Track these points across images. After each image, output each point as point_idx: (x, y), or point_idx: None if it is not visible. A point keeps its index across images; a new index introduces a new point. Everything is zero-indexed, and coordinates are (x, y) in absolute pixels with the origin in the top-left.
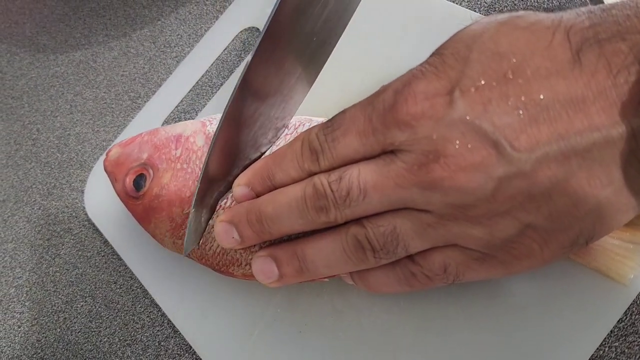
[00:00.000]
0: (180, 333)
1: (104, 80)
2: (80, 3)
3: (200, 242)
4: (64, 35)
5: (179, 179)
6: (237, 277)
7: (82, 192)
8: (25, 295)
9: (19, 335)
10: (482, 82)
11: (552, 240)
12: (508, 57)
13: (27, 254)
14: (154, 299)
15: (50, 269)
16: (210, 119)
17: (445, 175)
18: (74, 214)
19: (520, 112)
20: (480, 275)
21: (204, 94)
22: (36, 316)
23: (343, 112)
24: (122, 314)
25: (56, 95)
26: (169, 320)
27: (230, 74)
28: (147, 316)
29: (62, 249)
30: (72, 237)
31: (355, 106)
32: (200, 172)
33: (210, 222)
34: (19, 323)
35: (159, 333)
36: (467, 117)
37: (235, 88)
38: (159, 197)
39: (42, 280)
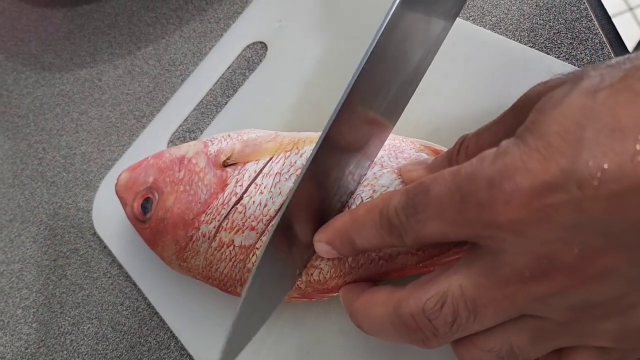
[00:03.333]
0: (187, 356)
1: (109, 98)
2: (85, 21)
3: (207, 262)
4: (69, 54)
5: (182, 201)
6: None
7: (88, 212)
8: (32, 316)
9: (26, 357)
10: (605, 168)
11: None
12: (634, 134)
13: (34, 275)
14: (160, 321)
15: (57, 290)
16: (212, 139)
17: (568, 284)
18: (80, 235)
19: None
20: None
21: (209, 113)
22: (43, 338)
23: (425, 190)
24: (129, 336)
25: (62, 114)
26: (176, 343)
27: (235, 92)
28: (154, 339)
29: (69, 269)
30: (78, 258)
31: (439, 183)
32: (275, 221)
33: (219, 239)
34: (26, 345)
35: (165, 356)
36: (585, 221)
37: (319, 142)
38: (164, 220)
39: (49, 302)
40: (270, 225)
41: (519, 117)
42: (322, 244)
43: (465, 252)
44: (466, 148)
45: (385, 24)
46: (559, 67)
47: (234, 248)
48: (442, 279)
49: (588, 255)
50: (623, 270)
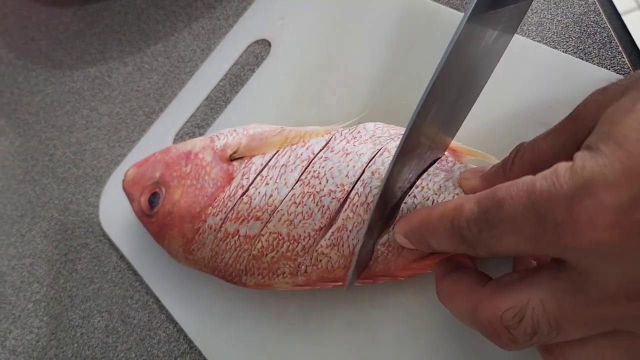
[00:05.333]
0: (196, 349)
1: (119, 95)
2: (95, 19)
3: (213, 253)
4: (79, 52)
5: (189, 195)
6: (250, 287)
7: (98, 207)
8: (43, 310)
9: (37, 350)
10: None
11: None
12: None
13: (45, 269)
14: (169, 315)
15: (68, 284)
16: (218, 134)
17: None
18: (90, 229)
19: None
20: None
21: (217, 108)
22: (54, 331)
23: (499, 204)
24: (139, 330)
25: (72, 111)
26: (185, 336)
27: (239, 89)
28: (163, 332)
29: (79, 264)
30: (88, 252)
31: (513, 199)
32: (372, 205)
33: (224, 230)
34: (37, 338)
35: (175, 349)
36: None
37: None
38: (171, 213)
39: (60, 295)
40: (369, 206)
41: (577, 127)
42: (400, 236)
43: (549, 265)
44: (521, 158)
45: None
46: (567, 63)
47: (239, 238)
48: (522, 290)
49: None
50: None
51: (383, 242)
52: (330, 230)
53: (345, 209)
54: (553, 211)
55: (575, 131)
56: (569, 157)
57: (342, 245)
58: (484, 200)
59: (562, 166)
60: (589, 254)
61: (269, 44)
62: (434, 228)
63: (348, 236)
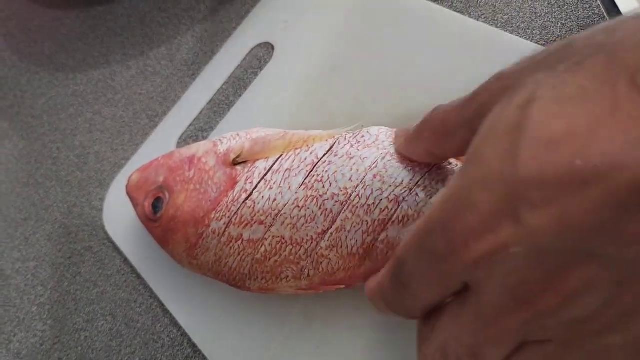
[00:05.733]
0: (200, 353)
1: (122, 98)
2: (98, 23)
3: (216, 258)
4: (82, 55)
5: (193, 199)
6: (254, 291)
7: (102, 210)
8: (47, 313)
9: (41, 353)
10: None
11: None
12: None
13: (49, 272)
14: (173, 319)
15: (72, 287)
16: (221, 138)
17: (550, 303)
18: (94, 232)
19: None
20: None
21: (220, 112)
22: (58, 334)
23: (402, 263)
24: (142, 333)
25: (75, 114)
26: (189, 340)
27: (242, 93)
28: (167, 335)
29: (83, 267)
30: (92, 256)
31: (407, 251)
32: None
33: (228, 234)
34: (41, 341)
35: (178, 353)
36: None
37: None
38: (174, 218)
39: (64, 299)
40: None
41: (479, 109)
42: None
43: (454, 298)
44: (432, 123)
45: None
46: None
47: (242, 242)
48: (439, 332)
49: (555, 275)
50: (598, 277)
51: (382, 239)
52: (330, 232)
53: (345, 210)
54: (435, 245)
55: (477, 112)
56: (472, 131)
57: (341, 247)
58: (392, 266)
59: (438, 195)
60: (473, 271)
61: (272, 47)
62: (376, 304)
63: (347, 237)
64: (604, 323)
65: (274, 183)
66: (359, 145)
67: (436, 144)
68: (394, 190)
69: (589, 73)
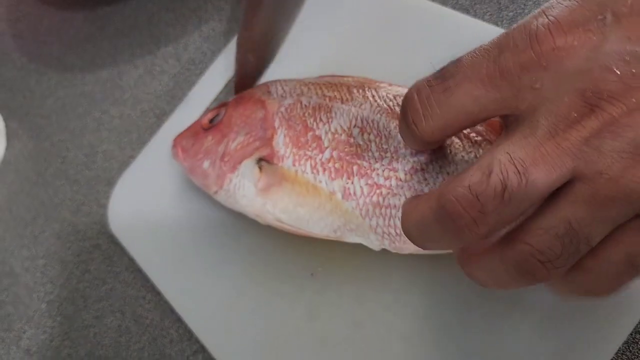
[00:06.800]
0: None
1: (130, 97)
2: (105, 23)
3: None
4: (90, 55)
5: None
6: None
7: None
8: (56, 310)
9: (51, 349)
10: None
11: None
12: None
13: (58, 270)
14: (180, 315)
15: (80, 284)
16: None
17: (616, 115)
18: (102, 230)
19: None
20: None
21: None
22: (67, 331)
23: (457, 59)
24: (151, 329)
25: (84, 114)
26: (197, 335)
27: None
28: (175, 331)
29: (92, 264)
30: (100, 253)
31: (473, 51)
32: None
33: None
34: (50, 338)
35: (187, 348)
36: (627, 46)
37: None
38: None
39: (73, 296)
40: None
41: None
42: None
43: (504, 129)
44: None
45: None
46: None
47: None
48: (484, 157)
49: (632, 80)
50: None
51: None
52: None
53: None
54: (514, 38)
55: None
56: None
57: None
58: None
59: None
60: (546, 64)
61: None
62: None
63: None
64: None
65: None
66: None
67: None
68: None
69: None
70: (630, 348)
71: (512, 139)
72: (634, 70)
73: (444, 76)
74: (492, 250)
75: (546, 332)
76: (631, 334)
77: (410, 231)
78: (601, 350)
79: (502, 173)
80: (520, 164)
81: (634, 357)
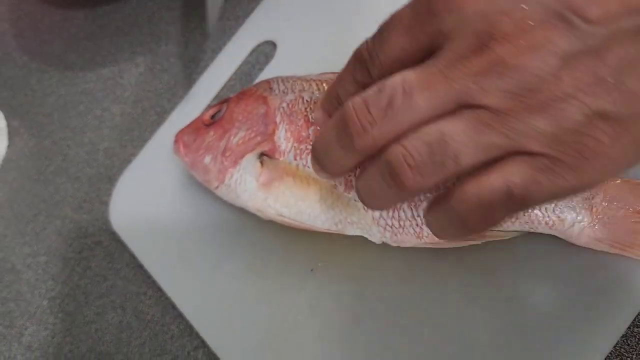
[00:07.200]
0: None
1: (131, 95)
2: (106, 22)
3: None
4: (91, 53)
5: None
6: None
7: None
8: (58, 307)
9: (53, 346)
10: None
11: (624, 132)
12: None
13: (59, 267)
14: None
15: (82, 281)
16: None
17: (504, 55)
18: (103, 227)
19: None
20: (548, 194)
21: None
22: (68, 327)
23: (393, 14)
24: (152, 325)
25: (85, 112)
26: (198, 331)
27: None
28: (176, 327)
29: (93, 261)
30: (102, 250)
31: (405, 5)
32: None
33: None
34: (52, 334)
35: (187, 343)
36: None
37: None
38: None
39: (74, 292)
40: None
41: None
42: (316, 112)
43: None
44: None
45: None
46: None
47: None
48: (388, 78)
49: (524, 24)
50: (557, 44)
51: None
52: None
53: None
54: None
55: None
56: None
57: None
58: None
59: None
60: (450, 9)
61: (275, 45)
62: (342, 73)
63: None
64: (542, 103)
65: None
66: None
67: None
68: None
69: None
70: (628, 341)
71: (415, 69)
72: (527, 13)
73: (381, 29)
74: (374, 159)
75: (547, 327)
76: (629, 328)
77: (316, 149)
78: (598, 349)
79: (391, 91)
80: (409, 86)
81: (632, 350)
